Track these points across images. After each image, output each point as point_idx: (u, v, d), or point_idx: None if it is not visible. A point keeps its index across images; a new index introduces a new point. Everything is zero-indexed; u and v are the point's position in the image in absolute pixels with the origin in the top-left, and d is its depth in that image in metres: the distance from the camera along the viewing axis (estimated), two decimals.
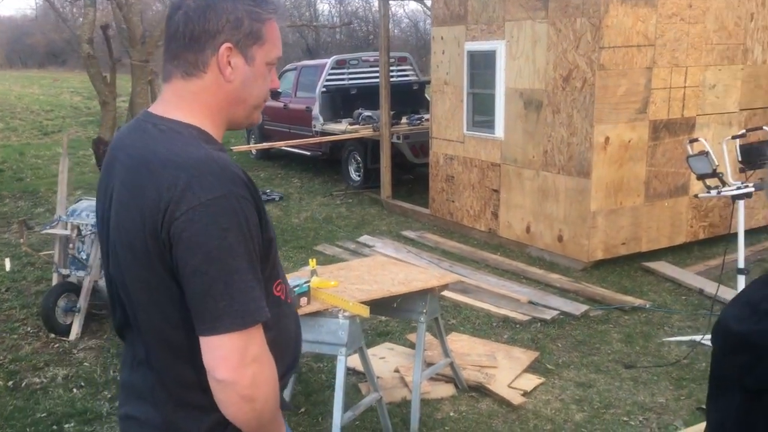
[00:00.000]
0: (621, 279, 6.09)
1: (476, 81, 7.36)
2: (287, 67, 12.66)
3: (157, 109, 1.41)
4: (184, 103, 1.39)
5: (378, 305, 3.58)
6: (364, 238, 7.56)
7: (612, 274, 6.20)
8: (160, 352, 1.39)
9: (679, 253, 6.71)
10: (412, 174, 10.41)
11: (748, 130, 4.40)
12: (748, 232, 7.23)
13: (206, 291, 1.26)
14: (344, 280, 3.77)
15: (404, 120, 10.04)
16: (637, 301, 5.46)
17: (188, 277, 1.26)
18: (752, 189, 4.19)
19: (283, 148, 11.76)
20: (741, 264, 4.37)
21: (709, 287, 5.70)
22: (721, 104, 6.67)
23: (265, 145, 11.06)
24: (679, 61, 6.30)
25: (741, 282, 4.35)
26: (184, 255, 1.25)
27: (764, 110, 6.97)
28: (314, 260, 4.03)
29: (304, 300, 3.27)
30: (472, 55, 7.31)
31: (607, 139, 6.08)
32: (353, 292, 3.53)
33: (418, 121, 9.86)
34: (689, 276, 6.02)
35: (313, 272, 3.89)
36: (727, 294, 5.14)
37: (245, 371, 1.28)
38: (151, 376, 1.41)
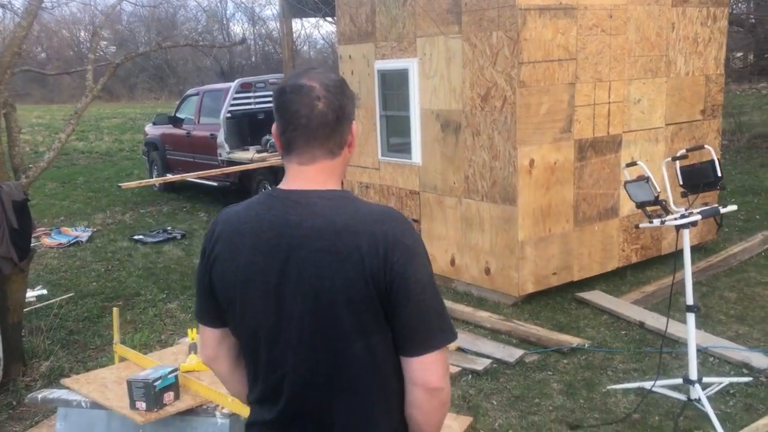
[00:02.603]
0: (555, 314, 5.57)
1: (389, 102, 6.77)
2: (189, 92, 11.82)
3: (306, 184, 1.54)
4: (330, 175, 1.56)
5: None
6: None
7: (545, 309, 5.67)
8: (366, 396, 1.53)
9: (612, 279, 6.27)
10: None
11: (688, 150, 3.95)
12: (675, 254, 6.90)
13: (425, 317, 1.49)
14: None
15: None
16: (575, 341, 4.93)
17: (409, 309, 1.47)
18: (699, 217, 3.71)
19: (191, 179, 10.90)
20: (690, 300, 3.87)
21: (650, 320, 5.24)
22: (647, 120, 6.29)
23: (160, 179, 10.13)
24: (603, 75, 5.88)
25: (691, 320, 3.86)
26: (404, 291, 1.46)
27: (689, 124, 6.65)
28: (195, 330, 3.29)
29: (168, 396, 2.53)
30: (383, 75, 6.72)
31: (531, 161, 5.58)
32: None
33: None
34: (627, 307, 5.55)
35: (193, 346, 3.15)
36: (675, 330, 4.67)
37: (447, 380, 1.54)
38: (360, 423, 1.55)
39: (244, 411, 2.46)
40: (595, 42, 5.77)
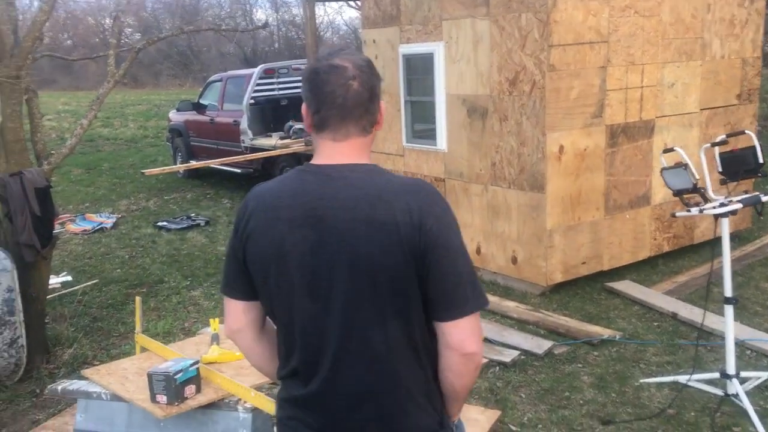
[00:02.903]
0: (584, 304, 5.43)
1: (414, 88, 6.64)
2: (212, 78, 11.75)
3: (339, 159, 1.59)
4: (362, 150, 1.62)
5: None
6: None
7: (574, 299, 5.53)
8: (401, 360, 1.57)
9: (643, 269, 6.10)
10: None
11: (728, 135, 3.78)
12: (710, 243, 6.70)
13: (459, 282, 1.54)
14: None
15: None
16: (606, 332, 4.79)
17: (443, 275, 1.53)
18: (739, 206, 3.55)
19: (214, 166, 10.87)
20: (728, 292, 3.73)
21: (684, 311, 5.08)
22: (680, 104, 6.09)
23: (183, 166, 10.10)
24: (635, 58, 5.69)
25: (729, 313, 3.71)
26: (438, 257, 1.52)
27: (725, 109, 6.44)
28: (217, 320, 3.22)
29: (190, 389, 2.45)
30: (408, 60, 6.58)
31: (561, 147, 5.42)
32: None
33: None
34: (659, 297, 5.39)
35: (215, 337, 3.08)
36: (710, 321, 4.51)
37: (481, 344, 1.60)
38: (388, 386, 1.58)
39: (267, 406, 2.38)
40: (627, 24, 5.58)
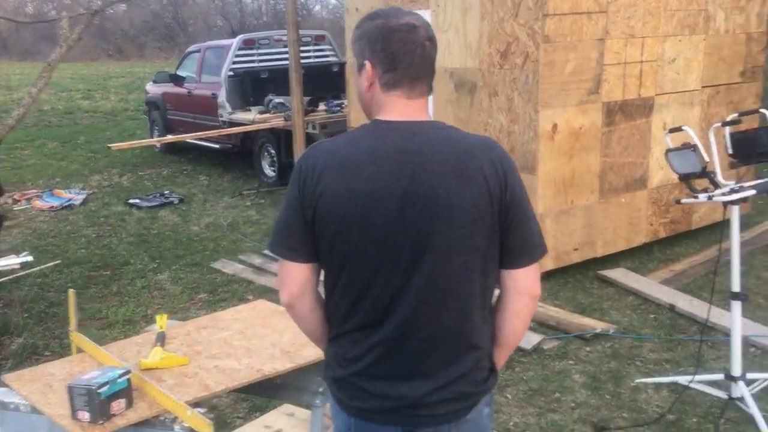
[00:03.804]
0: (576, 294, 5.09)
1: None
2: (190, 48, 11.26)
3: (413, 116, 1.65)
4: (426, 110, 1.70)
5: (252, 384, 2.43)
6: None
7: (565, 288, 5.19)
8: (475, 307, 1.66)
9: (638, 255, 5.77)
10: None
11: (741, 114, 3.41)
12: (708, 229, 6.39)
13: (532, 232, 1.67)
14: (203, 350, 2.60)
15: (322, 106, 8.84)
16: (599, 325, 4.46)
17: (521, 225, 1.64)
18: (752, 192, 3.20)
19: (190, 140, 10.41)
20: (736, 287, 3.38)
21: (682, 303, 4.76)
22: (681, 81, 5.72)
23: (149, 141, 9.63)
24: (635, 30, 5.30)
25: (736, 309, 3.37)
26: (517, 209, 1.63)
27: (727, 87, 6.07)
28: (165, 317, 2.84)
29: (118, 404, 2.08)
30: None
31: (554, 126, 5.04)
32: (209, 375, 2.37)
33: (339, 108, 8.67)
34: (655, 287, 5.06)
35: (160, 337, 2.70)
36: (718, 318, 4.17)
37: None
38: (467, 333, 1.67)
39: (204, 428, 2.01)
40: None
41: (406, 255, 1.58)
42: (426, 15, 5.71)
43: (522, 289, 1.67)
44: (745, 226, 6.51)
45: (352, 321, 1.65)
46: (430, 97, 5.49)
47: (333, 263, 1.64)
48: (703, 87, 5.88)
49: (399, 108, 1.64)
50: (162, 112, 11.30)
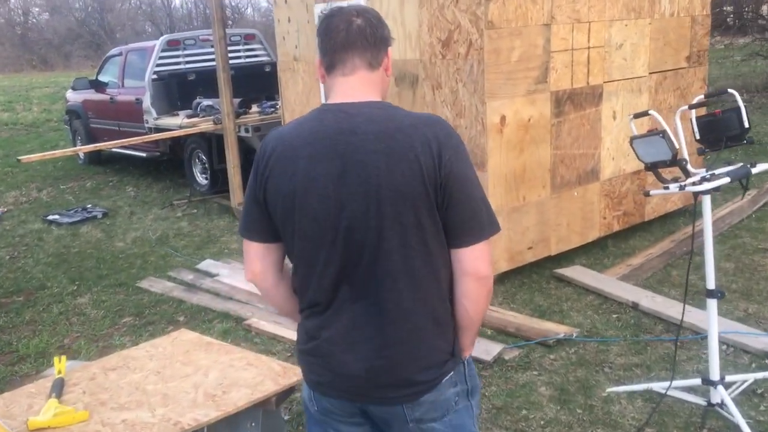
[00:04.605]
0: (533, 295, 4.78)
1: None
2: (111, 51, 10.61)
3: (352, 95, 1.67)
4: (372, 88, 1.69)
5: None
6: (207, 264, 5.86)
7: (521, 290, 4.88)
8: (421, 286, 1.65)
9: (592, 251, 5.51)
10: None
11: (707, 96, 3.14)
12: (661, 220, 6.20)
13: (475, 210, 1.63)
14: (109, 399, 2.14)
15: (255, 108, 8.35)
16: (561, 330, 4.15)
17: (461, 203, 1.61)
18: (727, 180, 2.92)
19: (116, 149, 9.77)
20: (711, 284, 3.10)
21: (645, 300, 4.50)
22: (629, 68, 5.49)
23: (66, 151, 8.96)
24: (581, 15, 5.04)
25: (712, 308, 3.10)
26: (456, 186, 1.60)
27: (674, 72, 5.88)
28: (63, 358, 2.37)
29: None
30: None
31: (502, 118, 4.72)
32: None
33: (273, 109, 8.21)
34: (615, 284, 4.80)
35: (57, 385, 2.23)
36: (676, 311, 3.89)
37: (492, 269, 1.70)
38: (414, 310, 1.66)
39: None
40: None
41: (342, 234, 1.61)
42: (360, 3, 5.32)
43: (467, 269, 1.65)
44: (696, 215, 6.37)
45: (305, 299, 1.71)
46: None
47: (287, 242, 1.70)
48: (650, 73, 5.67)
49: (338, 88, 1.68)
50: (84, 120, 10.61)
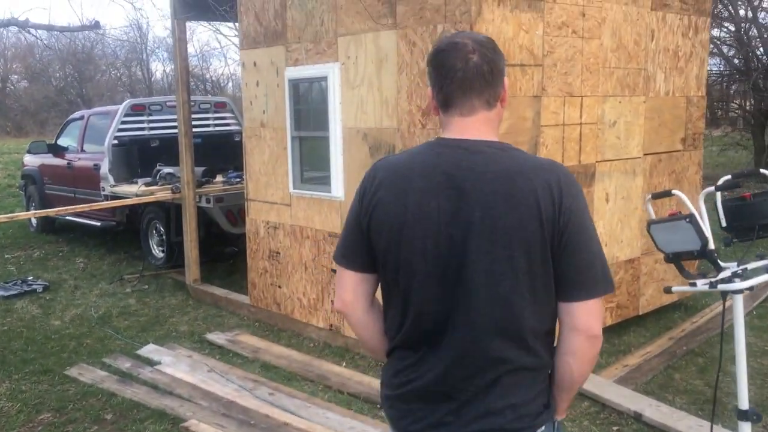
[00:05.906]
0: None
1: (304, 121, 5.33)
2: (73, 115, 10.08)
3: (470, 134, 1.61)
4: (490, 127, 1.64)
5: None
6: (149, 350, 5.16)
7: None
8: (521, 339, 1.56)
9: None
10: (238, 246, 8.04)
11: (735, 177, 2.65)
12: (655, 313, 5.68)
13: (592, 263, 1.55)
14: None
15: (220, 178, 7.82)
16: None
17: (577, 254, 1.54)
18: (766, 276, 2.40)
19: (70, 217, 9.12)
20: (744, 404, 2.54)
21: (649, 410, 3.90)
22: (623, 147, 5.07)
23: (4, 217, 8.22)
24: (573, 88, 4.64)
25: (746, 431, 2.52)
26: (574, 236, 1.53)
27: (669, 155, 5.48)
28: None
29: None
30: (296, 85, 5.29)
31: None
32: None
33: (239, 179, 7.67)
34: (612, 389, 4.20)
35: None
36: (695, 428, 3.30)
37: (601, 329, 1.59)
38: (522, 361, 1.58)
39: None
40: (564, 45, 4.53)
41: (449, 272, 1.55)
42: (335, 70, 4.89)
43: (578, 325, 1.57)
44: (692, 310, 5.87)
45: (400, 337, 1.64)
46: (339, 163, 4.47)
47: (386, 275, 1.64)
48: (645, 154, 5.26)
49: (455, 126, 1.63)
50: (39, 186, 9.97)
